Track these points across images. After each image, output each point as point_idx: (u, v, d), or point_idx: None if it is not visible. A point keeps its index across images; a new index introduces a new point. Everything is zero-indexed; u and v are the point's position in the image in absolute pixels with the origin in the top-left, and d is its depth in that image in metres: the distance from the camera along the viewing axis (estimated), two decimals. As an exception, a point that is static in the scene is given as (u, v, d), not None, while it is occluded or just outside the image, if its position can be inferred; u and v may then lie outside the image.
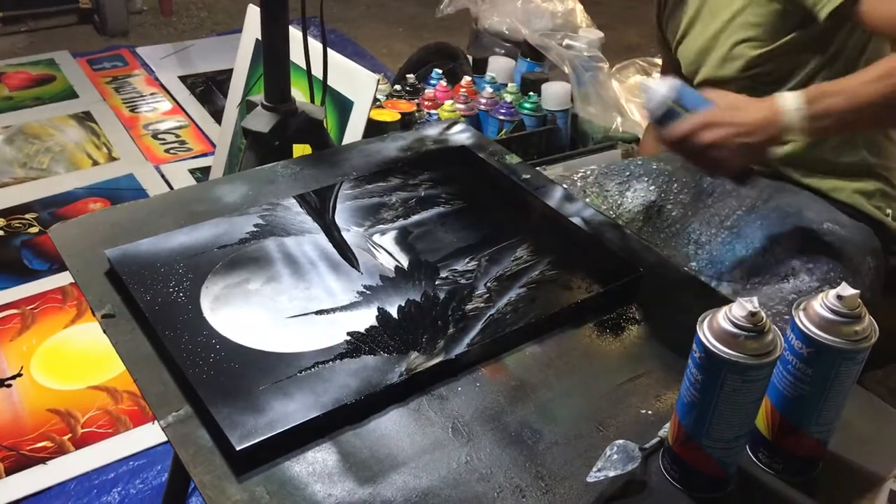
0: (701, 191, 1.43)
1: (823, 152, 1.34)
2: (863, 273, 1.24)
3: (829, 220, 1.29)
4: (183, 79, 3.18)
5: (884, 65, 1.11)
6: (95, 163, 2.65)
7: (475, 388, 0.89)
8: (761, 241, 1.30)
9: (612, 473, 0.77)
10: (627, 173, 1.47)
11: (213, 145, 2.63)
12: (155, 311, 0.92)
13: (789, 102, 1.10)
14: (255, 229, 1.06)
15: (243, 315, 0.93)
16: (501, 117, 2.21)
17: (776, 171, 1.38)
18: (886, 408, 0.92)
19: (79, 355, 1.91)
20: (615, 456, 0.79)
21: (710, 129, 1.10)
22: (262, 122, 1.39)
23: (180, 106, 3.00)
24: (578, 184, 1.47)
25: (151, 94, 3.08)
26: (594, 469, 0.78)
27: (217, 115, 2.84)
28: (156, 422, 0.83)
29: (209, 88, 3.12)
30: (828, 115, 1.10)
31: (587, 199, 1.42)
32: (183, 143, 2.79)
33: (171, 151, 2.74)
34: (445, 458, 0.81)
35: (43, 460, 1.65)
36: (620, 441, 0.81)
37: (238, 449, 0.77)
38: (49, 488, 1.61)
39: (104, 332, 0.92)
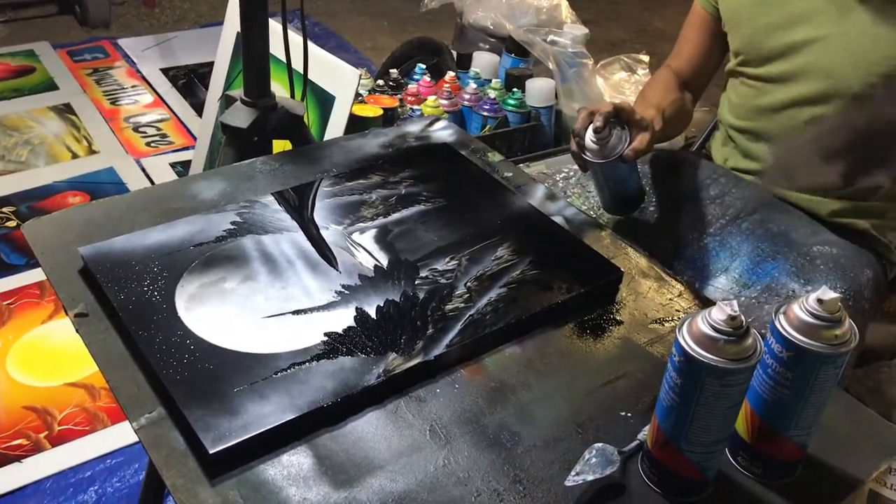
0: (683, 195, 1.42)
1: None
2: (862, 287, 1.23)
3: (817, 242, 1.28)
4: (165, 71, 3.14)
5: None
6: (75, 156, 2.62)
7: (454, 389, 0.88)
8: (749, 255, 1.29)
9: (590, 477, 0.77)
10: None
11: (195, 139, 2.60)
12: (129, 311, 0.90)
13: None
14: (231, 227, 1.05)
15: (219, 315, 0.91)
16: (485, 113, 2.19)
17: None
18: (866, 410, 0.92)
19: (56, 351, 1.88)
20: (594, 459, 0.79)
21: None
22: (240, 117, 1.37)
23: (162, 99, 2.97)
24: (560, 184, 1.46)
25: (133, 86, 3.04)
26: (573, 473, 0.77)
27: (199, 108, 2.80)
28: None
29: (191, 81, 3.08)
30: None
31: (569, 199, 1.41)
32: (164, 136, 2.76)
33: (152, 145, 2.71)
34: (423, 462, 0.80)
35: (18, 458, 1.63)
36: (599, 444, 0.80)
37: (212, 452, 0.76)
38: (24, 487, 1.58)
39: (77, 331, 0.91)
